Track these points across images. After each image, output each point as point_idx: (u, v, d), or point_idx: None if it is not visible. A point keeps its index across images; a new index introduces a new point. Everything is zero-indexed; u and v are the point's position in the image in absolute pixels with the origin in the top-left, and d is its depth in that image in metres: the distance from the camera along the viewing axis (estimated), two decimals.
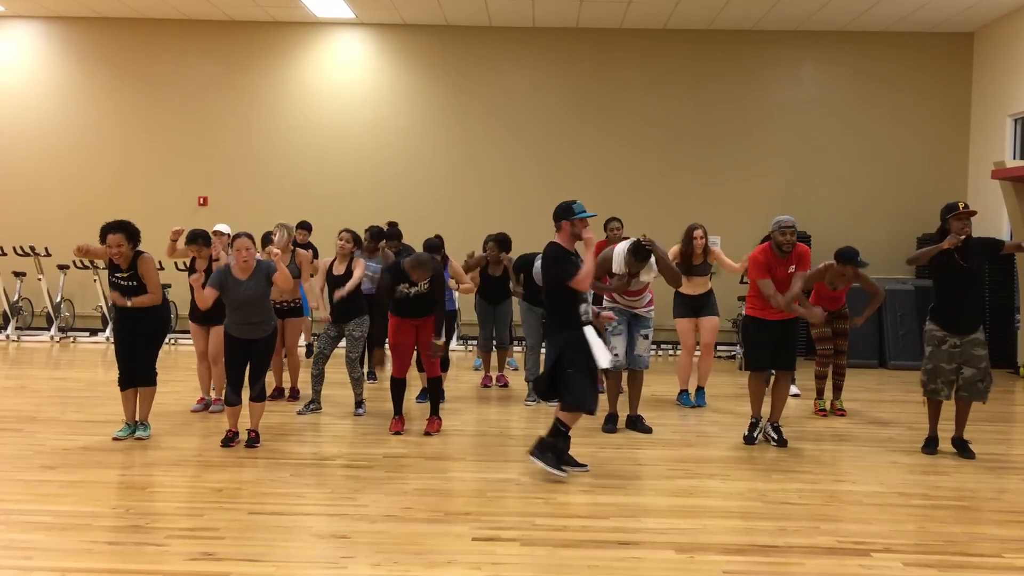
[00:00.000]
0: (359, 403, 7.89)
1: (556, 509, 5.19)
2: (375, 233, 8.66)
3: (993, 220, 12.37)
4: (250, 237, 6.54)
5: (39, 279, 12.57)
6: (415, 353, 7.31)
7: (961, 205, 6.45)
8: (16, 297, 12.92)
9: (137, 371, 6.65)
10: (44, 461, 6.08)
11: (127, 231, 6.48)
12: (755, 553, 4.53)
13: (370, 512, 5.07)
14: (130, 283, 6.51)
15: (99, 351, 11.83)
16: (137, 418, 6.76)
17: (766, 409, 7.09)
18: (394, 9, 12.76)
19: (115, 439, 6.61)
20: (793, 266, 6.79)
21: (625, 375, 7.57)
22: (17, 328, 12.83)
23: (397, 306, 7.07)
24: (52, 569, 4.19)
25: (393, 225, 9.44)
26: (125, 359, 6.65)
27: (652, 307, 7.46)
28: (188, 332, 11.82)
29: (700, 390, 8.61)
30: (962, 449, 6.69)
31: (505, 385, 9.42)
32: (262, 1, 12.51)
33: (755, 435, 6.97)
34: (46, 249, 12.72)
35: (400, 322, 7.04)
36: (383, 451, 6.51)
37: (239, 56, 13.59)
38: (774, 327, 6.84)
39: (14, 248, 12.81)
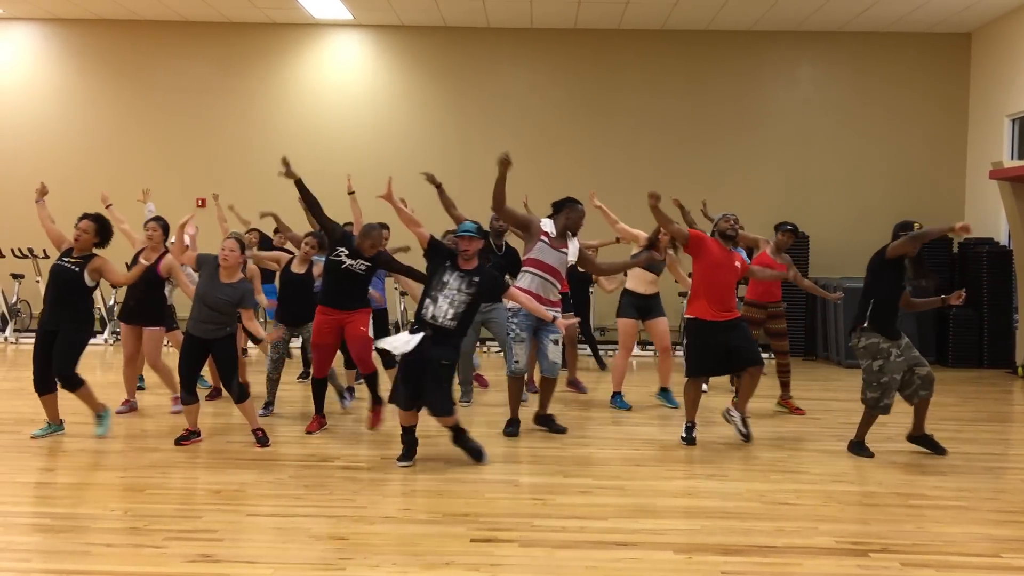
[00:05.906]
0: (342, 395, 7.95)
1: (554, 510, 5.18)
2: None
3: (992, 221, 12.39)
4: (239, 241, 6.61)
5: (37, 281, 12.56)
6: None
7: (916, 226, 6.47)
8: (14, 299, 12.92)
9: (53, 376, 6.61)
10: (42, 463, 6.07)
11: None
12: (753, 553, 4.53)
13: (368, 513, 5.07)
14: (76, 269, 6.57)
15: (97, 353, 11.81)
16: (98, 412, 6.81)
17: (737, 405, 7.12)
18: (392, 10, 12.76)
19: (33, 437, 6.65)
20: (738, 263, 6.91)
21: (538, 379, 7.56)
22: (15, 330, 12.83)
23: (327, 287, 7.06)
24: (50, 571, 4.19)
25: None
26: (41, 365, 6.59)
27: (559, 308, 7.11)
28: None
29: (666, 391, 8.40)
30: (933, 446, 6.69)
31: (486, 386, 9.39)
32: (259, 2, 12.52)
33: (692, 436, 6.91)
34: (44, 251, 12.69)
35: (324, 319, 7.00)
36: (381, 452, 6.50)
37: (237, 58, 13.60)
38: (719, 328, 6.77)
39: (12, 250, 12.80)
